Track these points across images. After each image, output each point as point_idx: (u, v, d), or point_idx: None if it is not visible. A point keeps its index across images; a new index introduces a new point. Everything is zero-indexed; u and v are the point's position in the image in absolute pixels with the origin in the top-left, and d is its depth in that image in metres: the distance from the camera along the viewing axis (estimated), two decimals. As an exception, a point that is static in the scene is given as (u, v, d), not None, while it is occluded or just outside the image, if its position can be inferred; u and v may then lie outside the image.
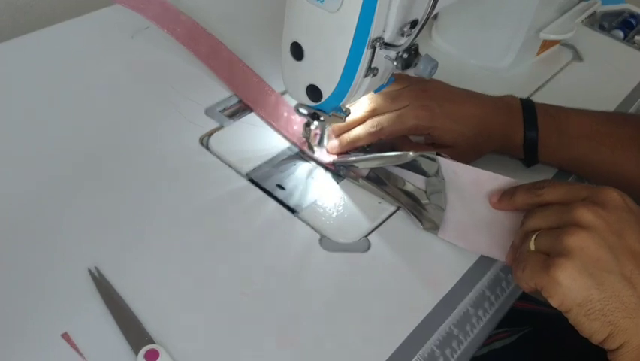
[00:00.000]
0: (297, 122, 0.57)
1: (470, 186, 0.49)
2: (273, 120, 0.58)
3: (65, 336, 0.40)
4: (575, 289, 0.37)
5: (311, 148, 0.56)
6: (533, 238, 0.41)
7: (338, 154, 0.55)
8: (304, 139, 0.56)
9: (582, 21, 0.76)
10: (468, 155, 0.54)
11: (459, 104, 0.54)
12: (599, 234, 0.38)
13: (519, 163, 0.59)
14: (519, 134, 0.55)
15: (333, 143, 0.55)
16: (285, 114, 0.58)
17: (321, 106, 0.50)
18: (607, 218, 0.38)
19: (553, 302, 0.38)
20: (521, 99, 0.56)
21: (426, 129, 0.53)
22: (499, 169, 0.49)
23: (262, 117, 0.58)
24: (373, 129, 0.53)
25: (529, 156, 0.56)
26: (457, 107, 0.54)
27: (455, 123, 0.53)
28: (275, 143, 0.57)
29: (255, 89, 0.60)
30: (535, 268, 0.39)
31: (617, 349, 0.37)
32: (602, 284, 0.37)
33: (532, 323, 0.53)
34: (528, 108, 0.55)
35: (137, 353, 0.39)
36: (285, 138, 0.57)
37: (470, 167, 0.49)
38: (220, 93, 0.61)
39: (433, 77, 0.48)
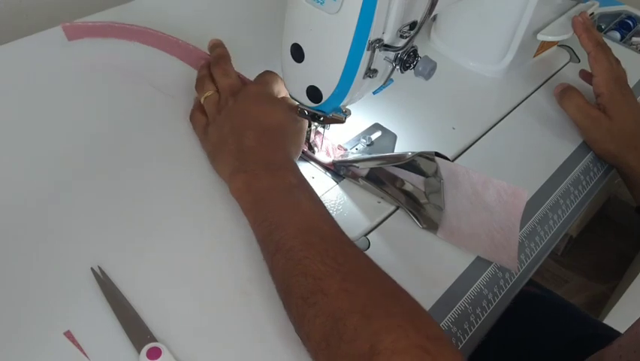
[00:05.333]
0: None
1: (467, 187, 0.50)
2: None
3: (68, 334, 0.40)
4: None
5: (311, 148, 0.56)
6: None
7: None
8: None
9: (580, 22, 0.76)
10: None
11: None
12: None
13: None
14: None
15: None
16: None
17: (321, 107, 0.51)
18: None
19: None
20: None
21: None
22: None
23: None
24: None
25: None
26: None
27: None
28: (275, 143, 0.57)
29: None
30: None
31: None
32: None
33: (516, 300, 0.55)
34: None
35: (139, 351, 0.40)
36: None
37: (466, 168, 0.49)
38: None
39: (432, 77, 0.48)
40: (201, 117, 0.54)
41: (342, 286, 0.38)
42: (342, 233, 0.44)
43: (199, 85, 0.56)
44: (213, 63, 0.57)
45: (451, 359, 0.35)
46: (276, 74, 0.55)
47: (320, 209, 0.45)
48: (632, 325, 0.50)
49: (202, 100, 0.55)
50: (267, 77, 0.55)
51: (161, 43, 0.65)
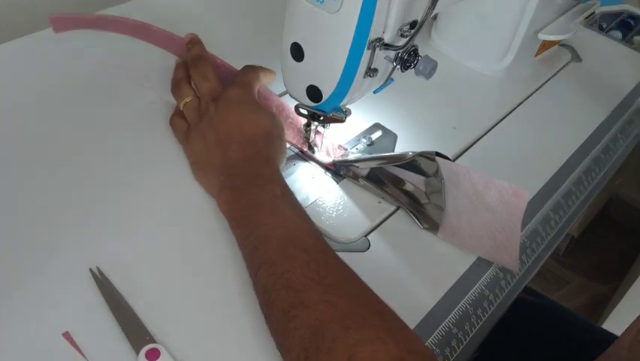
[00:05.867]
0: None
1: (468, 187, 0.49)
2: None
3: (66, 335, 0.40)
4: None
5: (311, 148, 0.56)
6: None
7: None
8: (304, 139, 0.57)
9: (581, 22, 0.76)
10: None
11: None
12: None
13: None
14: None
15: None
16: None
17: (321, 106, 0.51)
18: None
19: None
20: None
21: None
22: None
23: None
24: None
25: None
26: None
27: None
28: (275, 143, 0.57)
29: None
30: None
31: None
32: None
33: (514, 309, 0.55)
34: None
35: (137, 353, 0.39)
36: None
37: (467, 168, 0.49)
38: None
39: (433, 77, 0.48)
40: (182, 122, 0.53)
41: (322, 298, 0.38)
42: (326, 245, 0.43)
43: (176, 89, 0.55)
44: (192, 65, 0.55)
45: None
46: (257, 69, 0.55)
47: (304, 221, 0.45)
48: None
49: (181, 106, 0.54)
50: (249, 77, 0.54)
51: (153, 37, 0.64)
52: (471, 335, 0.46)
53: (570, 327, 0.74)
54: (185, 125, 0.53)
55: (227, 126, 0.50)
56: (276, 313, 0.39)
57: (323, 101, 0.49)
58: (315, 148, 0.56)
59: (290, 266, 0.40)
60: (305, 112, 0.53)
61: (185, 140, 0.52)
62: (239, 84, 0.53)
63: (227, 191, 0.47)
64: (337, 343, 0.35)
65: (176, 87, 0.55)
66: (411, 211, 0.52)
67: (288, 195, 0.47)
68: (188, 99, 0.53)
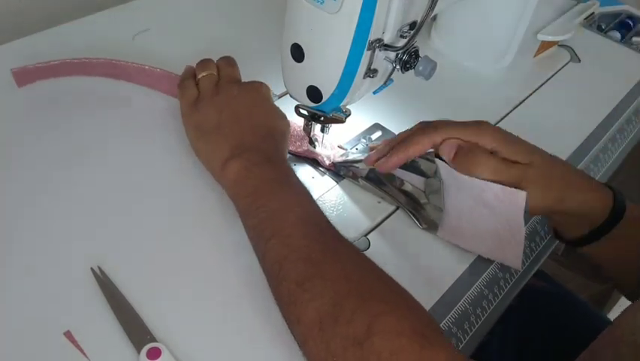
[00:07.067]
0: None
1: (467, 188, 0.50)
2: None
3: (68, 334, 0.40)
4: None
5: (312, 143, 0.56)
6: None
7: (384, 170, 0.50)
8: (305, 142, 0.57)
9: (580, 22, 0.76)
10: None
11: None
12: None
13: None
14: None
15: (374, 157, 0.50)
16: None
17: (322, 107, 0.51)
18: None
19: None
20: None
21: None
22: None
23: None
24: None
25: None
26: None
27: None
28: (275, 143, 0.57)
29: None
30: None
31: None
32: None
33: (519, 294, 0.55)
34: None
35: (139, 351, 0.39)
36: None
37: None
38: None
39: (432, 77, 0.48)
40: (194, 90, 0.54)
41: (341, 273, 0.39)
42: (340, 234, 0.44)
43: (202, 62, 0.56)
44: (222, 57, 0.57)
45: (446, 347, 0.35)
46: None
47: (319, 209, 0.45)
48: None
49: (199, 76, 0.55)
50: (263, 84, 0.55)
51: (124, 73, 0.61)
52: (470, 333, 0.47)
53: (585, 320, 0.73)
54: (195, 93, 0.54)
55: (249, 110, 0.51)
56: (288, 284, 0.39)
57: (323, 101, 0.50)
58: (316, 143, 0.56)
59: (308, 241, 0.41)
60: (305, 112, 0.53)
61: (193, 108, 0.53)
62: (261, 83, 0.54)
63: (240, 161, 0.47)
64: (356, 314, 0.36)
65: (203, 61, 0.56)
66: (410, 211, 0.52)
67: (302, 184, 0.47)
68: (208, 73, 0.55)
